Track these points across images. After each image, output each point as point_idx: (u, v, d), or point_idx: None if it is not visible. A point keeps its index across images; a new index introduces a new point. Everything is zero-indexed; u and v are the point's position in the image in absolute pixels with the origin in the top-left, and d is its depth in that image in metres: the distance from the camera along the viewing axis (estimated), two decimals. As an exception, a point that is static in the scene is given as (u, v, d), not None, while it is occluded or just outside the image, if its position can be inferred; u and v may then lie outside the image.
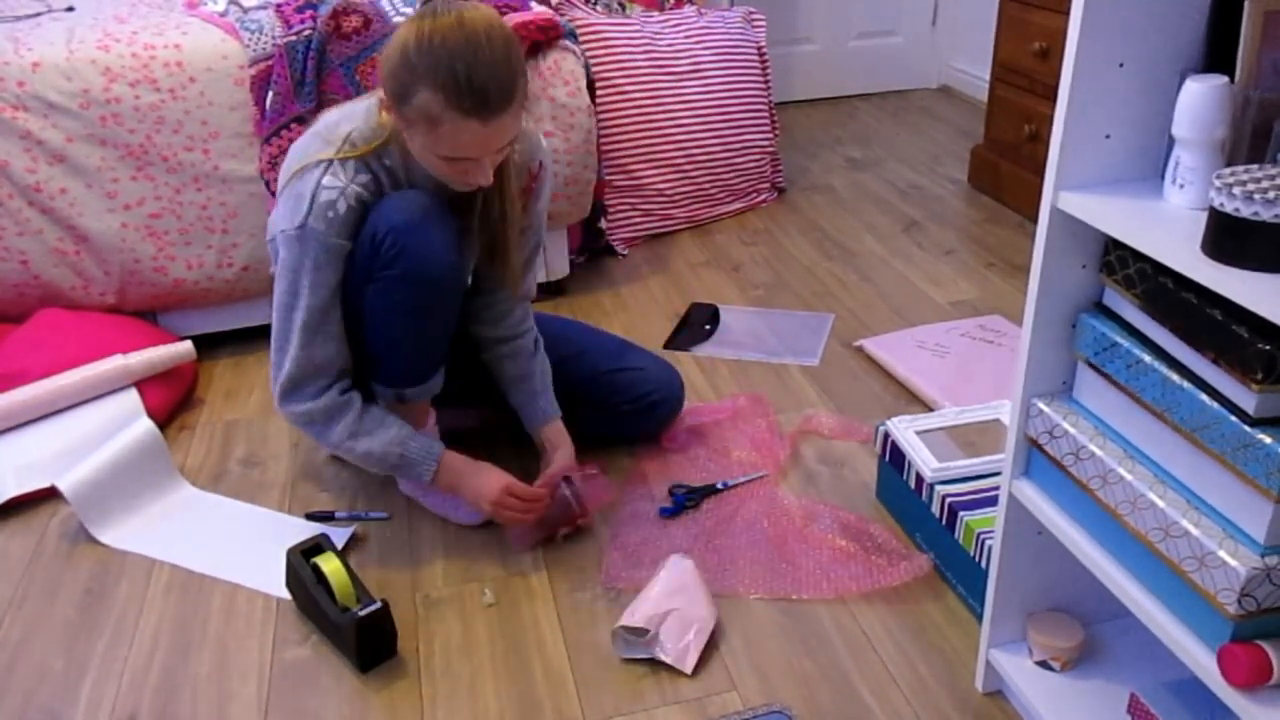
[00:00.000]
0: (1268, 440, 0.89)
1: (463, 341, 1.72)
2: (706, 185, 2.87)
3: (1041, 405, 1.16)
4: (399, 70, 1.38)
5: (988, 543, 1.41)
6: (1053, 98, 2.70)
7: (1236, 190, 0.85)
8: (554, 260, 2.46)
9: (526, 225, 1.70)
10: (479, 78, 1.35)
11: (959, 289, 2.47)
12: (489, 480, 1.60)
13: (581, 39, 2.58)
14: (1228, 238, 0.87)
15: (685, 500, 1.74)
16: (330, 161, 1.49)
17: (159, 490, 1.79)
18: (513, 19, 2.21)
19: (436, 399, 1.71)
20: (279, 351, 1.53)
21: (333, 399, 1.54)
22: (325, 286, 1.50)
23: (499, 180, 1.56)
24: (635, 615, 1.44)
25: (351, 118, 1.53)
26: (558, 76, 2.23)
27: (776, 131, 3.01)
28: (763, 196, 3.01)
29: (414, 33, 1.37)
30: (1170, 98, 1.03)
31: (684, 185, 2.82)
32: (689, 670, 1.41)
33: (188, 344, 2.05)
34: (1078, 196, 1.04)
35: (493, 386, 1.81)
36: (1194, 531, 0.96)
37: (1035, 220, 2.76)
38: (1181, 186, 0.99)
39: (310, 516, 1.74)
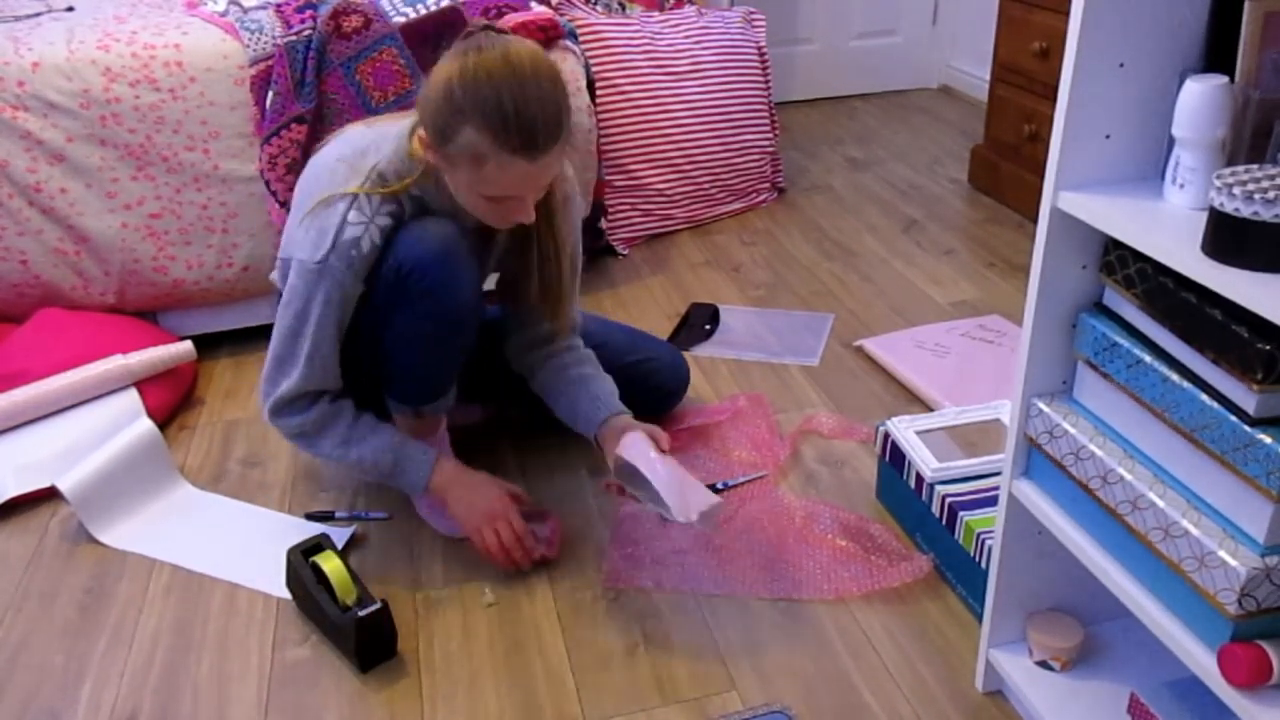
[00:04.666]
0: (1268, 440, 0.89)
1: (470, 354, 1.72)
2: (706, 185, 2.87)
3: (1041, 405, 1.16)
4: (443, 107, 1.36)
5: (988, 543, 1.41)
6: (1053, 98, 2.70)
7: (1236, 190, 0.85)
8: (554, 260, 2.46)
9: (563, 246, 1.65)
10: (527, 115, 1.33)
11: (959, 289, 2.47)
12: (486, 498, 1.56)
13: (581, 39, 2.58)
14: (1228, 238, 0.87)
15: (685, 500, 1.74)
16: (356, 196, 1.46)
17: (159, 490, 1.79)
18: (513, 19, 2.21)
19: None
20: (277, 371, 1.51)
21: (323, 409, 1.53)
22: (333, 324, 1.49)
23: (547, 217, 1.54)
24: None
25: (379, 147, 1.50)
26: (558, 76, 2.23)
27: (776, 131, 3.01)
28: (763, 196, 3.01)
29: (459, 68, 1.35)
30: (1170, 98, 1.03)
31: (684, 185, 2.82)
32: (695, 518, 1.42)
33: (188, 344, 2.05)
34: (1078, 196, 1.04)
35: (496, 382, 1.81)
36: (1194, 531, 0.96)
37: (1035, 220, 2.75)
38: (1181, 186, 0.99)
39: (310, 516, 1.74)
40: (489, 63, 1.34)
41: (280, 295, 1.56)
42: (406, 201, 1.51)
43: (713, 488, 1.77)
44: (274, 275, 1.66)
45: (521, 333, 1.73)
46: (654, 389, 1.88)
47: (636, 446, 1.52)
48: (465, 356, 1.63)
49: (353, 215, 1.45)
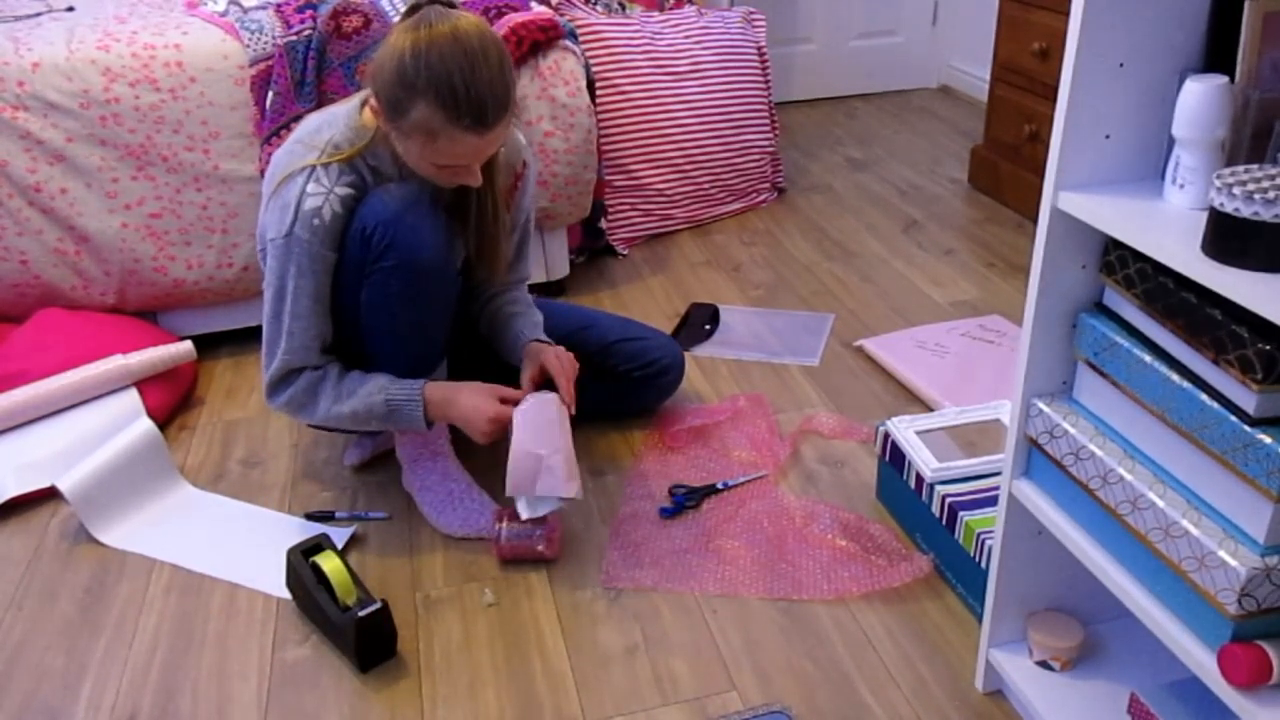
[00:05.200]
0: (1268, 440, 0.89)
1: (456, 328, 1.74)
2: (706, 185, 2.87)
3: (1041, 405, 1.16)
4: (395, 83, 1.40)
5: (988, 543, 1.41)
6: (1053, 98, 2.70)
7: (1236, 190, 0.85)
8: (554, 260, 2.46)
9: (513, 223, 1.76)
10: (477, 93, 1.39)
11: (959, 289, 2.47)
12: (477, 398, 1.60)
13: (581, 39, 2.58)
14: (1228, 238, 0.87)
15: (685, 500, 1.74)
16: (313, 168, 1.51)
17: (159, 490, 1.79)
18: (513, 19, 2.21)
19: None
20: (267, 355, 1.58)
21: (310, 376, 1.58)
22: (308, 294, 1.54)
23: (487, 180, 1.60)
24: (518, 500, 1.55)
25: (332, 123, 1.55)
26: (558, 76, 2.23)
27: (776, 131, 3.01)
28: (763, 196, 3.01)
29: (409, 44, 1.39)
30: (1170, 98, 1.03)
31: (684, 185, 2.82)
32: (578, 495, 1.54)
33: (188, 344, 2.05)
34: (1078, 196, 1.04)
35: (488, 371, 1.81)
36: (1194, 531, 0.96)
37: (1035, 220, 2.75)
38: (1181, 186, 0.99)
39: (310, 516, 1.74)
40: (440, 39, 1.38)
41: None
42: (365, 171, 1.55)
43: (712, 488, 1.77)
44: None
45: (467, 293, 1.79)
46: (647, 365, 1.90)
47: (529, 404, 1.57)
48: (444, 320, 1.64)
49: (311, 187, 1.50)
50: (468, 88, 1.38)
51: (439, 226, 1.55)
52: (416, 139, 1.44)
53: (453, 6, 1.44)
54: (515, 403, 1.60)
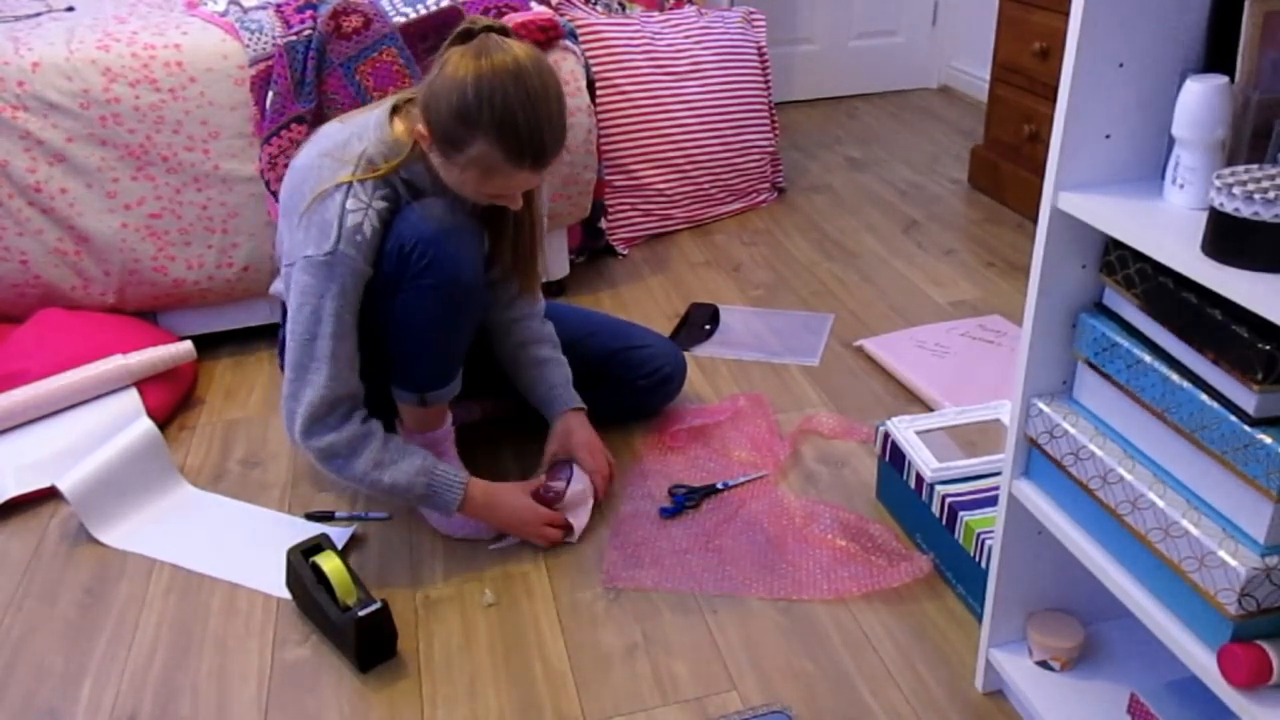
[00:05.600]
0: (1268, 440, 0.89)
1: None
2: (706, 185, 2.87)
3: (1041, 405, 1.16)
4: (455, 118, 1.39)
5: (988, 543, 1.41)
6: (1053, 98, 2.70)
7: (1236, 190, 0.85)
8: (554, 260, 2.46)
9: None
10: (539, 135, 1.40)
11: (959, 289, 2.47)
12: (521, 505, 1.63)
13: (581, 39, 2.58)
14: (1228, 238, 0.87)
15: (685, 500, 1.74)
16: (350, 184, 1.47)
17: (159, 490, 1.79)
18: (513, 19, 2.21)
19: None
20: (297, 382, 1.46)
21: (355, 429, 1.49)
22: (349, 313, 1.48)
23: (528, 196, 1.59)
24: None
25: (362, 134, 1.51)
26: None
27: (776, 131, 3.01)
28: (763, 196, 3.01)
29: (473, 77, 1.37)
30: (1170, 98, 1.03)
31: (684, 185, 2.82)
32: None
33: (188, 344, 2.05)
34: (1078, 196, 1.04)
35: (495, 380, 1.81)
36: (1194, 531, 0.96)
37: (1035, 220, 2.75)
38: (1181, 186, 0.99)
39: (310, 516, 1.74)
40: (503, 75, 1.37)
41: (284, 308, 1.55)
42: (399, 184, 1.53)
43: (713, 488, 1.78)
44: (275, 287, 1.65)
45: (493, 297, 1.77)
46: (651, 374, 1.89)
47: (574, 492, 1.70)
48: (472, 337, 1.63)
49: (350, 203, 1.47)
50: (531, 129, 1.37)
51: (476, 246, 1.55)
52: (472, 172, 1.43)
53: (506, 34, 1.42)
54: (550, 491, 1.66)
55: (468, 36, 1.41)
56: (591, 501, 1.71)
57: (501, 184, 1.45)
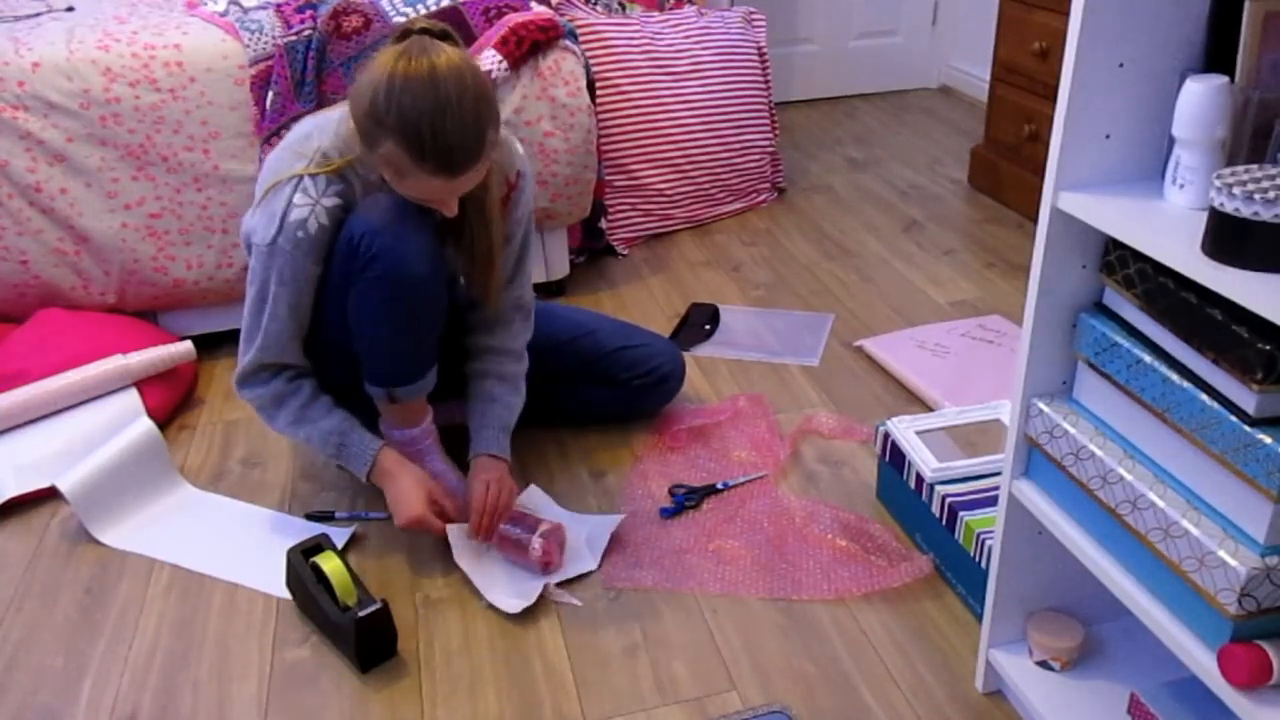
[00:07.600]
0: (1268, 440, 0.89)
1: (450, 340, 1.72)
2: (706, 185, 2.87)
3: (1041, 405, 1.16)
4: (367, 115, 1.39)
5: (988, 543, 1.41)
6: (1053, 98, 2.70)
7: (1236, 190, 0.85)
8: (554, 260, 2.46)
9: (508, 234, 1.68)
10: (444, 140, 1.36)
11: (959, 289, 2.47)
12: (411, 490, 1.58)
13: (581, 39, 2.58)
14: (1228, 238, 0.87)
15: (685, 500, 1.74)
16: (301, 178, 1.50)
17: (159, 490, 1.79)
18: (513, 19, 2.21)
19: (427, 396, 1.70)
20: (246, 342, 1.59)
21: (280, 386, 1.60)
22: (286, 303, 1.54)
23: (478, 195, 1.56)
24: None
25: (323, 129, 1.54)
26: (558, 76, 2.23)
27: (776, 131, 3.01)
28: (763, 196, 3.01)
29: (385, 79, 1.36)
30: (1170, 98, 1.03)
31: (684, 185, 2.82)
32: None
33: (188, 344, 2.05)
34: (1078, 196, 1.04)
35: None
36: (1194, 531, 0.96)
37: (1035, 220, 2.76)
38: (1181, 186, 0.99)
39: (310, 516, 1.74)
40: (415, 79, 1.35)
41: None
42: (355, 181, 1.54)
43: (713, 488, 1.78)
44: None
45: (472, 311, 1.74)
46: (649, 373, 1.89)
47: (458, 534, 1.62)
48: (432, 332, 1.61)
49: (298, 198, 1.50)
50: (434, 135, 1.35)
51: (427, 238, 1.53)
52: (389, 171, 1.44)
53: (445, 36, 1.41)
54: (448, 513, 1.62)
55: (404, 36, 1.40)
56: (566, 540, 1.63)
57: (415, 186, 1.43)
